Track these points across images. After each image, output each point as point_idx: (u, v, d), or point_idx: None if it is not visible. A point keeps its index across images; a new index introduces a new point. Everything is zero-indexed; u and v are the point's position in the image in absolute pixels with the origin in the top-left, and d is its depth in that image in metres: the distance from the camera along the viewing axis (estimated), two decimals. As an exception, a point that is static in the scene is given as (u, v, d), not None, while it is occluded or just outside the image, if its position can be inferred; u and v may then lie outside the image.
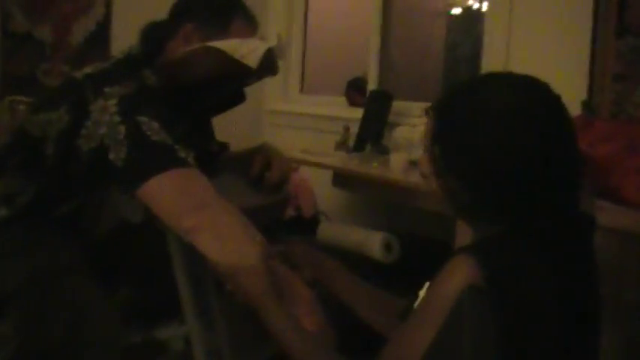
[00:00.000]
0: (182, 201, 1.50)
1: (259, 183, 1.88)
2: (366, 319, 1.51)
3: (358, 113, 3.35)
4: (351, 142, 3.28)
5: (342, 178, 3.05)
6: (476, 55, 3.92)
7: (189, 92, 1.75)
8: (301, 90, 4.19)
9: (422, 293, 1.25)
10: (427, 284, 1.23)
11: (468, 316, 1.01)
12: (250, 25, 1.78)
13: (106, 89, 1.58)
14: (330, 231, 2.85)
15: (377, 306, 1.52)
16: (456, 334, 1.02)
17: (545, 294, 1.08)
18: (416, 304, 1.24)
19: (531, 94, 1.12)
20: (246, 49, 1.68)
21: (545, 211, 1.12)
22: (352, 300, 1.53)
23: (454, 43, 4.83)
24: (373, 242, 2.65)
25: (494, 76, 1.18)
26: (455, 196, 1.16)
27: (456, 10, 5.40)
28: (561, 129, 1.12)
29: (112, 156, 1.53)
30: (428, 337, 1.06)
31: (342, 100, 3.83)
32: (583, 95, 2.49)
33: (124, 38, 1.99)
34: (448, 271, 1.10)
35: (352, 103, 3.75)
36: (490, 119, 1.09)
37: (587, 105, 2.29)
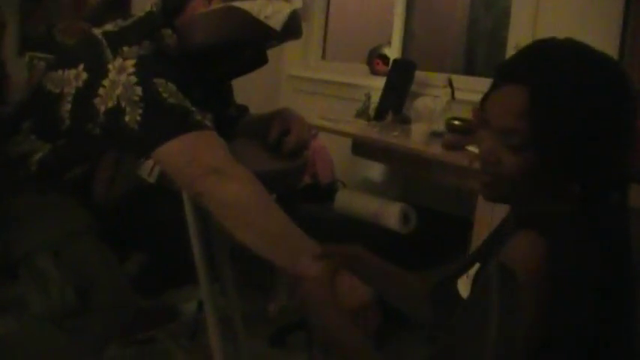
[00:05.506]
0: (195, 165, 1.49)
1: (277, 148, 1.86)
2: (393, 302, 1.47)
3: (380, 82, 3.31)
4: (372, 111, 3.24)
5: (361, 147, 3.04)
6: (499, 27, 3.86)
7: (209, 54, 1.72)
8: (323, 56, 4.15)
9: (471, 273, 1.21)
10: (477, 265, 1.19)
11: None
12: (274, -14, 1.74)
13: (125, 48, 1.57)
14: (348, 199, 2.84)
15: (404, 287, 1.46)
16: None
17: (593, 282, 1.04)
18: (461, 285, 1.20)
19: (626, 78, 1.10)
20: (271, 11, 1.64)
21: (607, 195, 1.11)
22: (379, 282, 1.49)
23: (477, 15, 4.75)
24: (391, 212, 2.65)
25: (589, 53, 1.11)
26: (528, 174, 1.09)
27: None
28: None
29: (127, 118, 1.51)
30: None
31: (365, 67, 3.78)
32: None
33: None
34: (517, 255, 1.04)
35: (374, 71, 3.71)
36: (596, 101, 1.06)
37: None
